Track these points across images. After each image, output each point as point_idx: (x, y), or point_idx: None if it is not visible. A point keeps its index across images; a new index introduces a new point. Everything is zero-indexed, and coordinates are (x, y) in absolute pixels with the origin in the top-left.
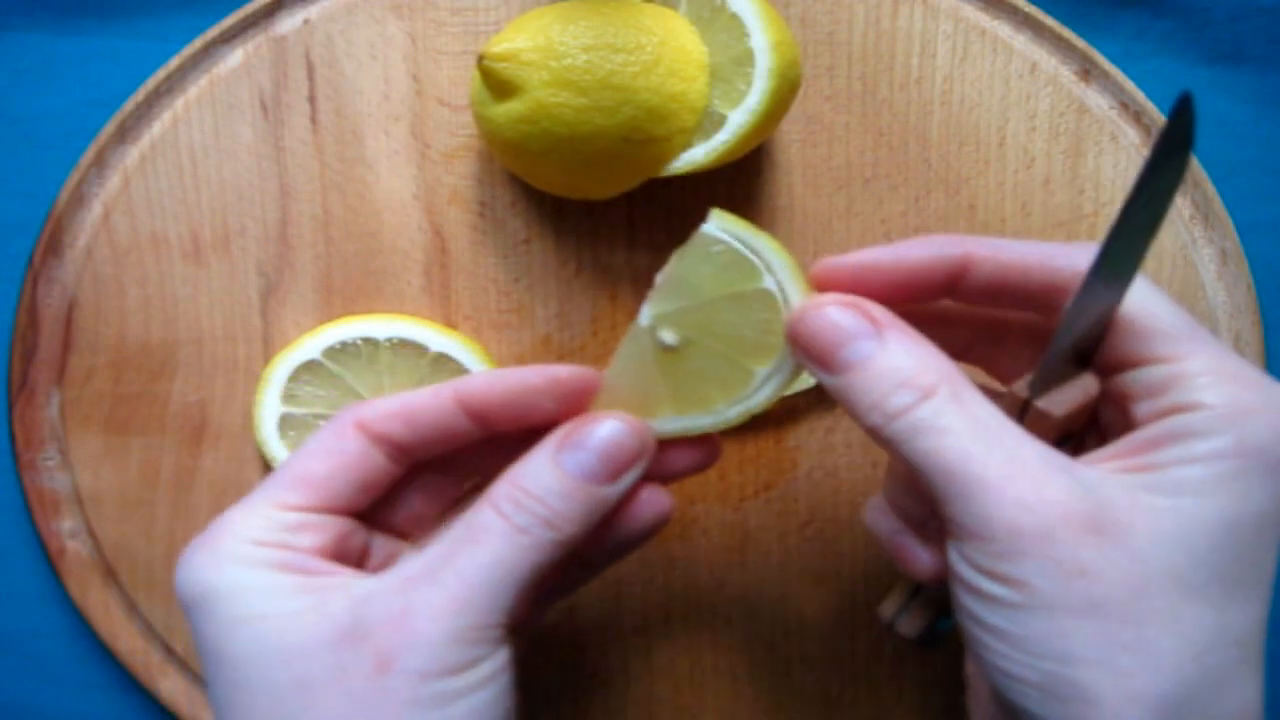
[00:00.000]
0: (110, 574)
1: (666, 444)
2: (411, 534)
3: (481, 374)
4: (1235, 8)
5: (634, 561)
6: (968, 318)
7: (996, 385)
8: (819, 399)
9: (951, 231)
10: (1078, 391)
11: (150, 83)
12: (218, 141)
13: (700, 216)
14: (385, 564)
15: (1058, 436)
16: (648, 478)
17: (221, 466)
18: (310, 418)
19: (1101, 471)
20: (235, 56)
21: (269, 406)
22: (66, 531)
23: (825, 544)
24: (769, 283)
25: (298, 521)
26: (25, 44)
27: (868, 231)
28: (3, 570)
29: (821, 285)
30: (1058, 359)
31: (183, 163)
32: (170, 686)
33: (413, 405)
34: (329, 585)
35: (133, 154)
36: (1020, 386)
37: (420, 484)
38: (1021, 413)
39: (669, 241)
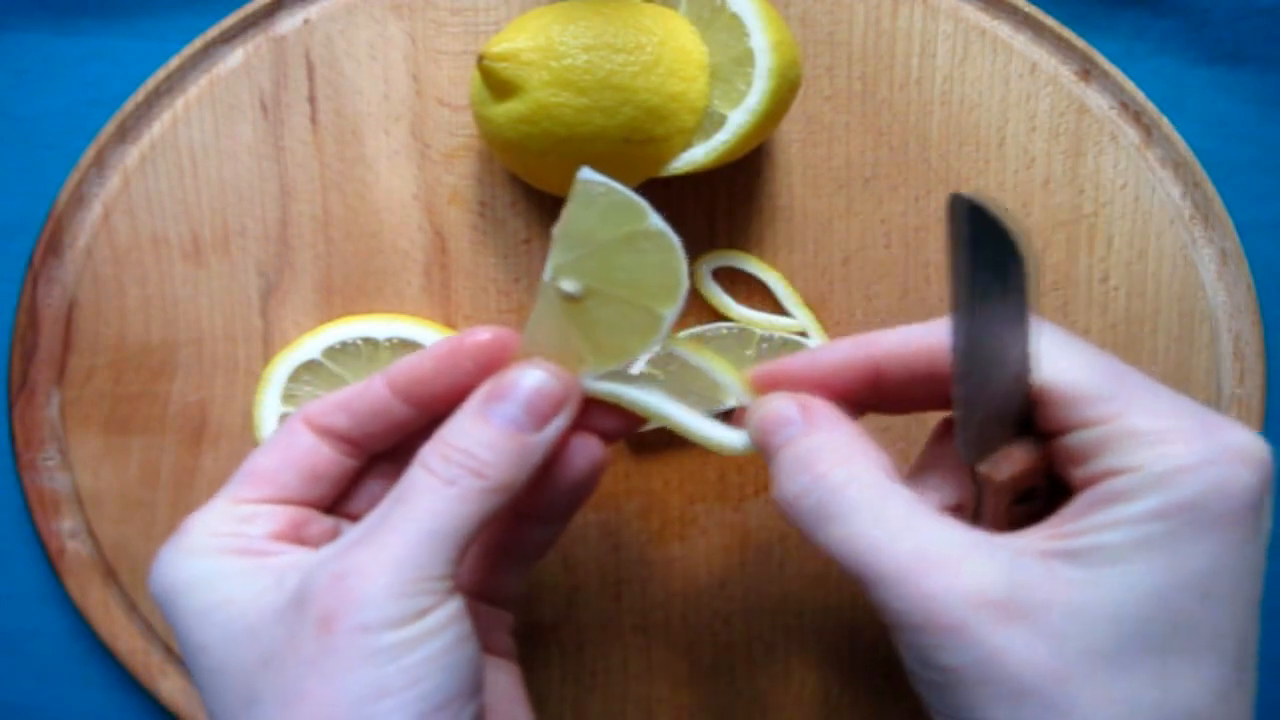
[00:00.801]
0: (110, 574)
1: (593, 403)
2: None
3: (406, 356)
4: (1235, 8)
5: (634, 562)
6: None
7: None
8: None
9: None
10: (1018, 455)
11: (150, 83)
12: (218, 141)
13: (700, 216)
14: None
15: (1012, 499)
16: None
17: (221, 466)
18: None
19: (1024, 546)
20: (235, 56)
21: (269, 406)
22: (66, 531)
23: None
24: (654, 220)
25: (251, 513)
26: (25, 44)
27: (868, 231)
28: (3, 570)
29: (757, 391)
30: (972, 423)
31: (183, 163)
32: (170, 686)
33: (349, 396)
34: (282, 564)
35: (133, 154)
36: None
37: (379, 473)
38: (974, 477)
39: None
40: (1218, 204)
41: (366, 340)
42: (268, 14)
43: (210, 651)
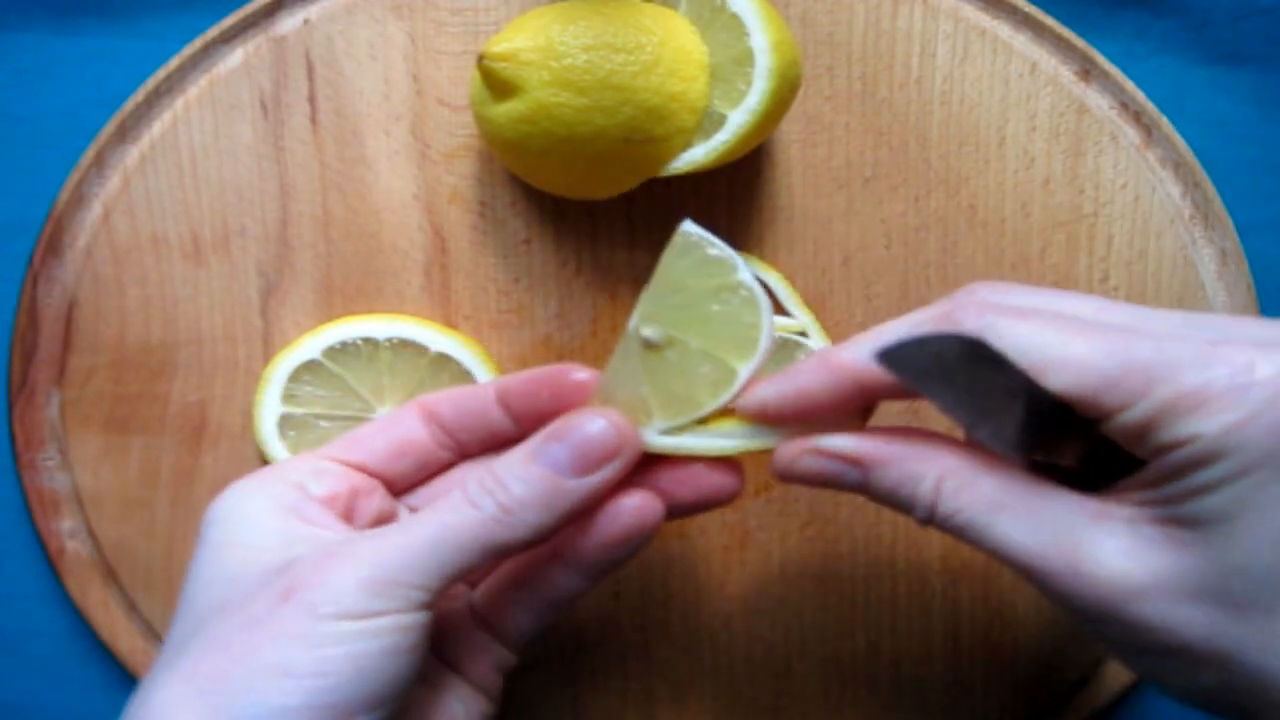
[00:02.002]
0: (110, 574)
1: (678, 463)
2: None
3: (518, 372)
4: (1235, 8)
5: (634, 561)
6: None
7: None
8: None
9: (950, 231)
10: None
11: (150, 83)
12: (218, 141)
13: (700, 216)
14: None
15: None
16: (669, 508)
17: (221, 466)
18: (310, 418)
19: (1135, 516)
20: (235, 56)
21: (269, 406)
22: (66, 531)
23: (825, 544)
24: (744, 275)
25: (324, 468)
26: (25, 44)
27: (867, 232)
28: (3, 570)
29: (771, 421)
30: (1000, 440)
31: (183, 163)
32: None
33: (460, 391)
34: (308, 533)
35: (133, 154)
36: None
37: (458, 472)
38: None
39: (669, 241)
40: (1218, 204)
41: (366, 340)
42: (268, 14)
43: (192, 580)
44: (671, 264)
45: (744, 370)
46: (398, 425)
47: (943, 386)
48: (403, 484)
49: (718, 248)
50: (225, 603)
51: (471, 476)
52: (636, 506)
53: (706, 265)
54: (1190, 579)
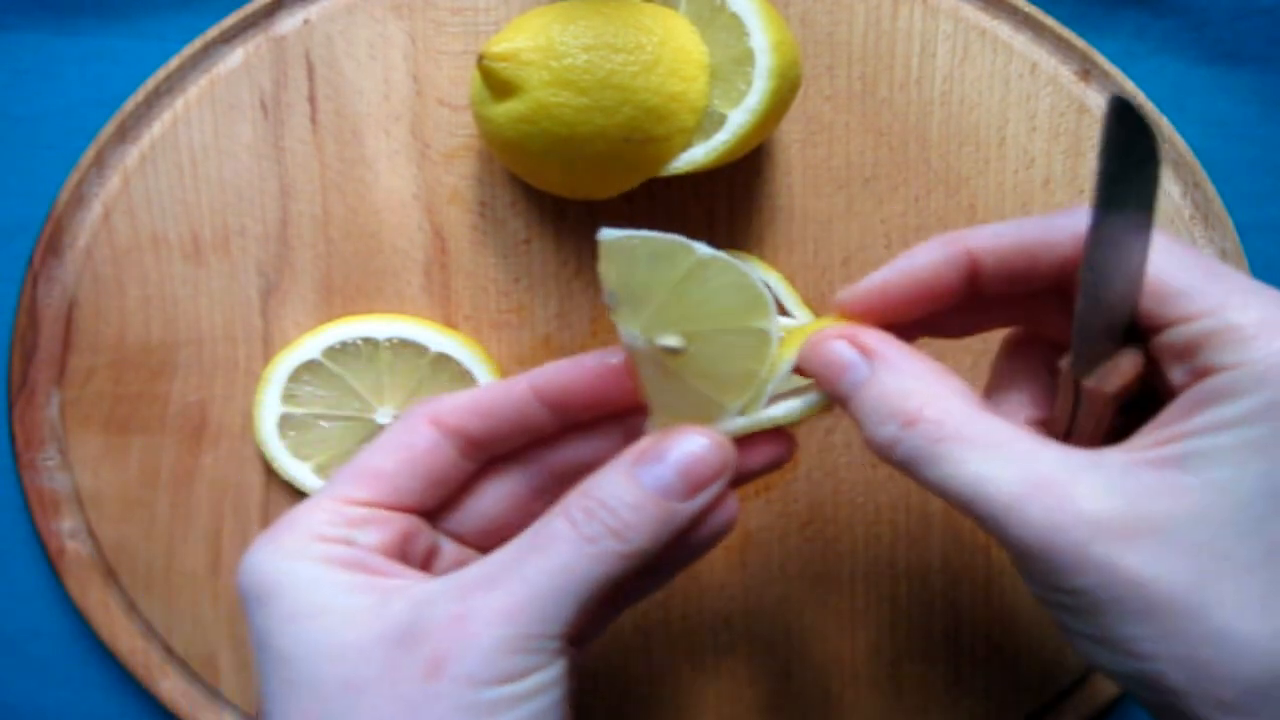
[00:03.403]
0: (110, 574)
1: (741, 442)
2: (478, 537)
3: (549, 364)
4: (1235, 8)
5: None
6: (1016, 299)
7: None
8: None
9: (951, 229)
10: (1127, 364)
11: (150, 83)
12: (218, 141)
13: (700, 216)
14: (451, 569)
15: (1116, 411)
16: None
17: (221, 466)
18: (310, 418)
19: (1134, 458)
20: (235, 56)
21: (269, 406)
22: (66, 531)
23: (825, 544)
24: (698, 247)
25: (362, 516)
26: (25, 44)
27: (867, 232)
28: (3, 570)
29: (848, 316)
30: (1088, 334)
31: (183, 163)
32: (170, 686)
33: (487, 397)
34: (389, 586)
35: (133, 154)
36: (1066, 366)
37: (489, 482)
38: (1075, 391)
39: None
40: (1217, 204)
41: (366, 340)
42: (268, 14)
43: (292, 663)
44: (624, 272)
45: (769, 326)
46: (414, 448)
47: (1117, 164)
48: (432, 512)
49: (656, 238)
50: (347, 682)
51: (575, 506)
52: (727, 510)
53: (658, 259)
54: (1180, 525)
